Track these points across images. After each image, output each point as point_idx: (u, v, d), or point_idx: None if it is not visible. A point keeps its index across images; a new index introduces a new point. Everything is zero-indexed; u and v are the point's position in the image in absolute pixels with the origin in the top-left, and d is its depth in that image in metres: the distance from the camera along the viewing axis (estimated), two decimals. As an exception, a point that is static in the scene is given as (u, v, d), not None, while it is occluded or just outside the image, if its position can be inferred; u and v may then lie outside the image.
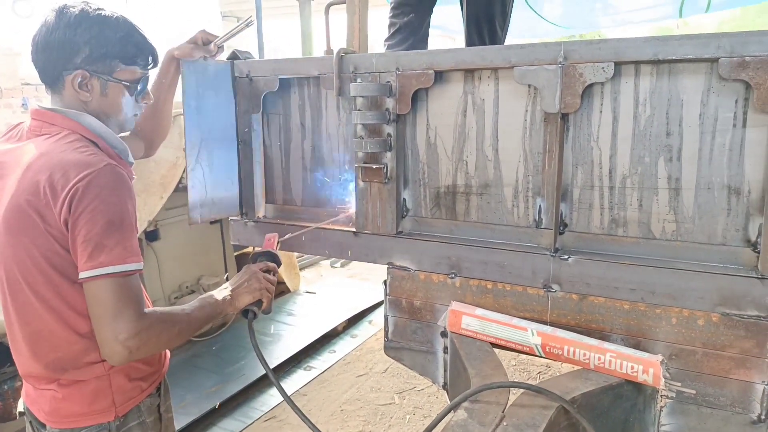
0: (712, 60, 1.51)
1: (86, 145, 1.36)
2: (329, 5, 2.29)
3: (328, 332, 4.55)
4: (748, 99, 1.51)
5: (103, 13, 1.43)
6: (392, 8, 2.65)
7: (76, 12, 1.40)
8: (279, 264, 1.80)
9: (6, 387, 3.43)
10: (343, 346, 4.48)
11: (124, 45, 1.44)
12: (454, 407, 1.43)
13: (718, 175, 1.58)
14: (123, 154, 1.47)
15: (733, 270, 1.57)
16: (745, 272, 1.55)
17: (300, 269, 5.73)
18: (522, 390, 1.51)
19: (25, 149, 1.37)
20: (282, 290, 5.29)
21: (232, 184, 2.27)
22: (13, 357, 1.46)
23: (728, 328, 1.56)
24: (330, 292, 5.39)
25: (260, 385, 3.86)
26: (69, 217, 1.26)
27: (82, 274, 1.27)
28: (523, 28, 7.69)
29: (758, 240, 1.55)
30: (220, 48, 2.01)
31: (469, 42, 2.77)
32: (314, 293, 5.33)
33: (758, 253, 1.54)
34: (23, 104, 12.89)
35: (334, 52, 1.95)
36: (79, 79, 1.41)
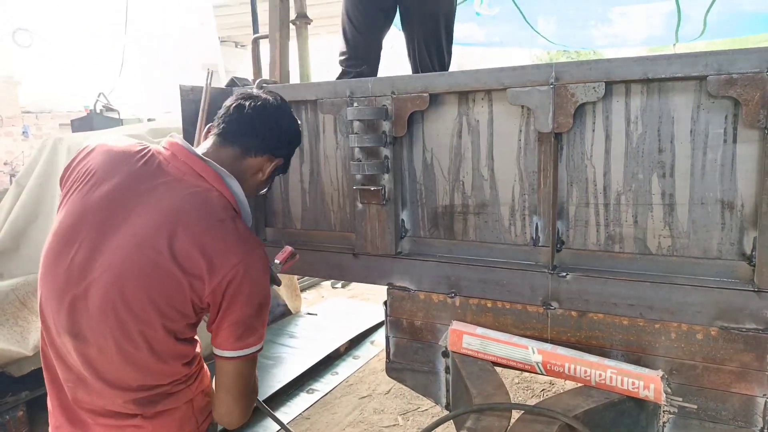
0: (701, 78, 1.54)
1: (235, 215, 1.34)
2: (255, 38, 2.39)
3: (330, 354, 4.52)
4: (738, 115, 1.54)
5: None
6: (345, 59, 2.71)
7: (290, 108, 1.55)
8: (276, 282, 1.78)
9: (8, 417, 3.42)
10: (345, 368, 4.45)
11: (300, 140, 1.61)
12: (439, 423, 1.44)
13: (711, 190, 1.61)
14: (250, 225, 1.45)
15: (730, 284, 1.58)
16: (741, 286, 1.56)
17: (301, 290, 5.71)
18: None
19: (169, 193, 1.26)
20: (283, 312, 5.27)
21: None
22: (74, 395, 1.33)
23: (727, 341, 1.57)
24: (331, 313, 5.37)
25: (268, 404, 3.83)
26: (223, 295, 1.25)
27: (228, 353, 1.30)
28: (522, 41, 7.81)
29: (753, 253, 1.57)
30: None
31: (421, 65, 2.82)
32: (316, 314, 5.31)
33: (754, 266, 1.55)
34: (23, 132, 13.00)
35: (254, 83, 2.03)
36: (275, 164, 1.49)
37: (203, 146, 1.42)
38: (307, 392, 4.11)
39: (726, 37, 6.63)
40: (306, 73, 5.46)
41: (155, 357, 1.26)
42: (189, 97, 2.04)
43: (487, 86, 1.81)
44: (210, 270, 1.22)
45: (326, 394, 4.08)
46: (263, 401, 3.82)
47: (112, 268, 1.22)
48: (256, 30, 6.02)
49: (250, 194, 1.47)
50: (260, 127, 1.43)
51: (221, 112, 1.46)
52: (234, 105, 1.44)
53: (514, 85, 1.75)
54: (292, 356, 4.51)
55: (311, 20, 5.33)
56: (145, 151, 1.33)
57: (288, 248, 1.81)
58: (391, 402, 3.89)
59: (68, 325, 1.26)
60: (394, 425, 3.66)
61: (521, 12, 6.37)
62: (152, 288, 1.21)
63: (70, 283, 1.25)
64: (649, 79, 1.59)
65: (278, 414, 3.84)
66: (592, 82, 1.64)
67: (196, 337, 1.39)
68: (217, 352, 1.32)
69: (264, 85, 2.19)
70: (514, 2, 6.19)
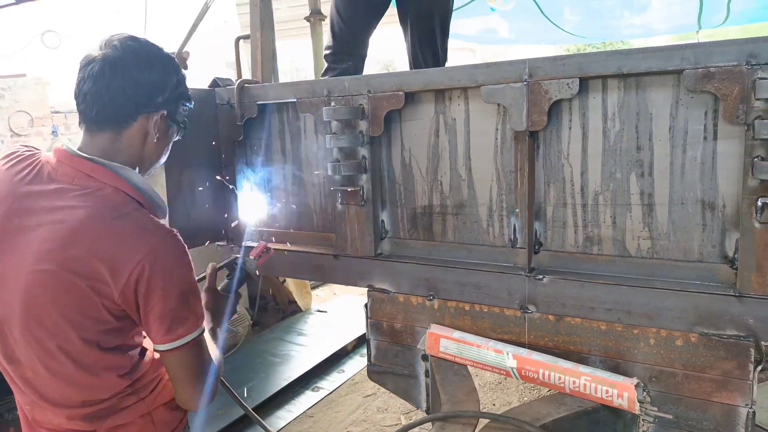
0: (678, 72, 1.47)
1: (136, 207, 1.26)
2: (238, 39, 2.35)
3: (337, 351, 4.52)
4: (717, 110, 1.46)
5: (167, 51, 1.36)
6: (330, 53, 2.66)
7: (160, 52, 1.33)
8: (253, 278, 1.77)
9: (10, 416, 3.50)
10: (351, 366, 4.43)
11: (185, 87, 1.39)
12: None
13: (692, 190, 1.53)
14: (162, 211, 1.37)
15: (711, 288, 1.51)
16: (722, 290, 1.49)
17: (312, 288, 5.72)
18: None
19: (59, 201, 1.22)
20: (293, 309, 5.29)
21: (216, 210, 2.28)
22: (32, 416, 1.33)
23: (708, 348, 1.50)
24: (341, 310, 5.36)
25: (268, 407, 3.84)
26: (136, 293, 1.20)
27: (162, 347, 1.27)
28: (538, 37, 7.65)
29: (735, 256, 1.49)
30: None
31: (415, 63, 2.79)
32: (325, 312, 5.31)
33: (736, 269, 1.48)
34: (53, 131, 13.36)
35: (235, 83, 1.99)
36: (158, 120, 1.31)
37: (80, 144, 1.32)
38: (313, 390, 4.11)
39: (750, 23, 6.36)
40: (320, 69, 5.42)
41: (83, 370, 1.24)
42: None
43: (462, 84, 1.76)
44: (113, 272, 1.17)
45: (331, 392, 4.08)
46: (268, 398, 3.86)
47: (18, 289, 1.21)
48: (271, 28, 6.06)
49: (157, 162, 1.39)
50: (111, 92, 1.25)
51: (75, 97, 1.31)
52: (77, 83, 1.28)
53: (488, 82, 1.69)
54: (300, 354, 4.52)
55: (325, 16, 5.31)
56: (34, 164, 1.29)
57: (261, 243, 1.81)
58: (395, 401, 3.86)
59: (2, 351, 1.28)
60: (396, 424, 3.63)
61: (538, 5, 6.23)
62: (58, 301, 1.19)
63: None
64: (625, 74, 1.52)
65: (282, 412, 3.86)
66: (566, 78, 1.58)
67: (140, 347, 1.36)
68: (153, 347, 1.30)
69: (245, 85, 2.18)
70: (530, -6, 6.05)
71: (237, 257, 1.80)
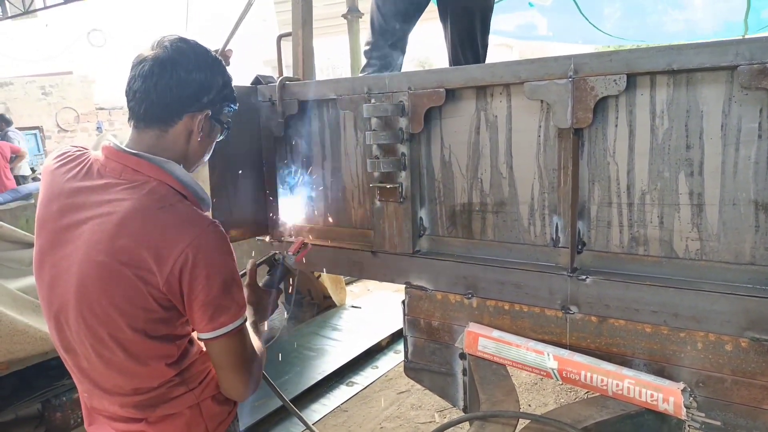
0: (732, 68, 1.42)
1: (180, 199, 1.30)
2: (280, 37, 2.35)
3: (371, 347, 4.54)
4: (773, 108, 1.41)
5: (215, 54, 1.39)
6: (369, 49, 2.64)
7: (207, 54, 1.36)
8: (283, 266, 1.79)
9: (65, 399, 3.63)
10: (386, 362, 4.45)
11: (231, 88, 1.42)
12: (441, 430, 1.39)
13: (744, 190, 1.48)
14: (206, 204, 1.40)
15: (763, 291, 1.45)
16: (776, 294, 1.43)
17: (347, 284, 5.76)
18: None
19: (107, 195, 1.27)
20: (328, 305, 5.34)
21: (257, 205, 2.32)
22: (91, 404, 1.40)
23: (759, 354, 1.45)
24: (376, 306, 5.38)
25: (303, 400, 3.89)
26: (180, 282, 1.23)
27: (205, 335, 1.31)
28: (576, 35, 7.49)
29: (790, 259, 1.43)
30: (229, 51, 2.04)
31: (455, 61, 2.75)
32: (359, 308, 5.34)
33: (791, 273, 1.42)
34: (98, 128, 13.77)
35: (277, 81, 2.01)
36: (202, 120, 1.34)
37: (128, 140, 1.36)
38: (347, 385, 4.14)
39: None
40: (358, 66, 5.42)
41: (132, 359, 1.28)
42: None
43: (505, 80, 1.74)
44: (158, 261, 1.21)
45: (365, 387, 4.10)
46: (303, 391, 3.91)
47: (72, 281, 1.27)
48: (310, 25, 6.11)
49: (201, 160, 1.43)
50: (159, 91, 1.28)
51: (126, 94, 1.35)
52: (128, 81, 1.32)
53: (531, 78, 1.67)
54: (335, 348, 4.56)
55: (362, 14, 5.32)
56: (84, 162, 1.35)
57: (299, 239, 1.83)
58: (429, 398, 3.85)
59: (60, 341, 1.34)
60: (430, 422, 3.63)
61: (576, 2, 6.10)
62: (108, 290, 1.23)
63: (50, 303, 1.32)
64: (675, 70, 1.47)
65: (317, 405, 3.90)
66: (613, 74, 1.54)
67: (189, 337, 1.39)
68: (197, 335, 1.34)
69: (287, 82, 2.20)
70: (568, -10, 5.93)
71: (276, 253, 1.82)
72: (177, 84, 1.29)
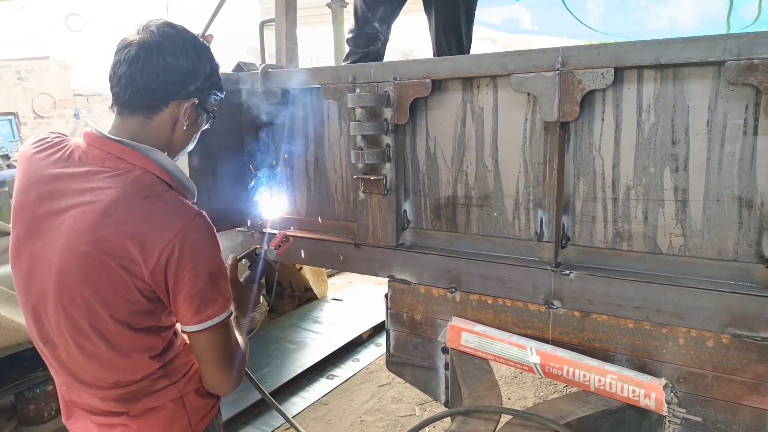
0: (719, 63, 1.41)
1: (165, 189, 1.26)
2: (263, 23, 2.31)
3: (352, 340, 4.52)
4: (759, 104, 1.40)
5: (202, 41, 1.35)
6: (352, 37, 2.62)
7: (195, 41, 1.31)
8: (265, 261, 1.75)
9: (38, 391, 3.55)
10: (366, 355, 4.44)
11: (218, 76, 1.38)
12: (421, 426, 1.38)
13: (728, 186, 1.48)
14: (191, 194, 1.37)
15: (745, 288, 1.46)
16: (757, 291, 1.44)
17: (328, 276, 5.73)
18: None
19: (90, 183, 1.23)
20: (309, 297, 5.30)
21: (237, 196, 2.27)
22: (69, 397, 1.37)
23: (740, 350, 1.45)
24: (357, 299, 5.36)
25: (283, 393, 3.86)
26: (165, 274, 1.20)
27: (190, 328, 1.28)
28: (561, 29, 7.51)
29: (773, 256, 1.44)
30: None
31: (439, 51, 2.73)
32: (341, 300, 5.32)
33: (773, 270, 1.43)
34: (75, 115, 13.49)
35: (259, 68, 1.95)
36: (188, 108, 1.31)
37: (111, 126, 1.32)
38: (327, 378, 4.12)
39: (784, 24, 6.17)
40: (341, 56, 5.37)
41: (115, 351, 1.25)
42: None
43: (491, 72, 1.71)
44: (143, 252, 1.18)
45: (346, 380, 4.08)
46: (283, 384, 3.87)
47: (52, 270, 1.22)
48: (293, 11, 6.02)
49: (185, 149, 1.39)
50: (145, 77, 1.24)
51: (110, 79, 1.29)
52: (112, 65, 1.27)
53: (518, 70, 1.65)
54: (315, 341, 4.53)
55: (347, 3, 5.25)
56: (64, 148, 1.30)
57: (281, 233, 1.79)
58: (410, 391, 3.85)
59: (38, 333, 1.29)
60: (411, 415, 3.62)
61: (561, -3, 6.10)
62: (90, 280, 1.20)
63: (28, 293, 1.28)
64: (662, 64, 1.46)
65: (297, 398, 3.87)
66: (601, 67, 1.53)
67: (174, 329, 1.36)
68: (182, 328, 1.31)
69: (269, 70, 2.15)
70: (553, -16, 5.92)
71: (257, 248, 1.78)
72: (164, 70, 1.25)
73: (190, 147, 1.43)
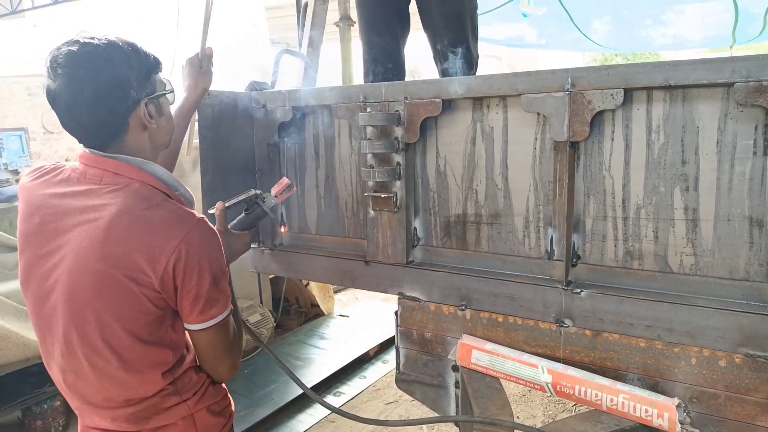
0: (728, 85, 1.43)
1: (164, 198, 1.29)
2: (280, 53, 2.34)
3: (359, 357, 4.52)
4: (768, 125, 1.42)
5: (109, 38, 1.26)
6: (365, 60, 2.63)
7: (104, 51, 1.22)
8: (267, 215, 1.79)
9: (45, 406, 3.56)
10: (373, 372, 4.43)
11: (146, 57, 1.31)
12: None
13: (739, 206, 1.49)
14: (189, 202, 1.39)
15: (757, 308, 1.46)
16: (770, 310, 1.44)
17: (335, 292, 5.73)
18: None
19: (91, 200, 1.25)
20: (316, 313, 5.30)
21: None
22: (84, 422, 1.38)
23: (753, 370, 1.45)
24: (364, 316, 5.36)
25: (289, 410, 3.86)
26: (173, 278, 1.23)
27: (194, 327, 1.32)
28: (569, 43, 7.57)
29: (784, 276, 1.44)
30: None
31: (443, 70, 2.72)
32: (347, 317, 5.32)
33: (784, 290, 1.43)
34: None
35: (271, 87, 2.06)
36: (145, 110, 1.29)
37: None
38: (334, 395, 4.11)
39: (789, 37, 6.21)
40: (349, 74, 5.41)
41: (127, 367, 1.26)
42: (205, 102, 2.05)
43: (502, 92, 1.73)
44: (151, 261, 1.20)
45: (353, 397, 4.07)
46: (290, 401, 3.86)
47: (61, 289, 1.25)
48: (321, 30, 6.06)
49: (169, 135, 1.41)
50: (87, 122, 1.24)
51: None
52: (58, 118, 1.25)
53: (528, 91, 1.67)
54: (322, 358, 4.52)
55: (354, 22, 5.30)
56: (61, 171, 1.34)
57: (285, 180, 1.83)
58: (417, 409, 3.83)
59: (46, 355, 1.33)
60: (418, 433, 3.60)
61: (568, 12, 6.17)
62: (101, 295, 1.22)
63: (39, 316, 1.31)
64: (671, 86, 1.48)
65: (303, 415, 3.85)
66: (610, 88, 1.55)
67: (185, 344, 1.38)
68: (186, 326, 1.34)
69: (282, 89, 2.19)
70: (561, 2, 5.99)
71: (257, 192, 1.78)
72: (98, 101, 1.22)
73: (174, 127, 1.46)
